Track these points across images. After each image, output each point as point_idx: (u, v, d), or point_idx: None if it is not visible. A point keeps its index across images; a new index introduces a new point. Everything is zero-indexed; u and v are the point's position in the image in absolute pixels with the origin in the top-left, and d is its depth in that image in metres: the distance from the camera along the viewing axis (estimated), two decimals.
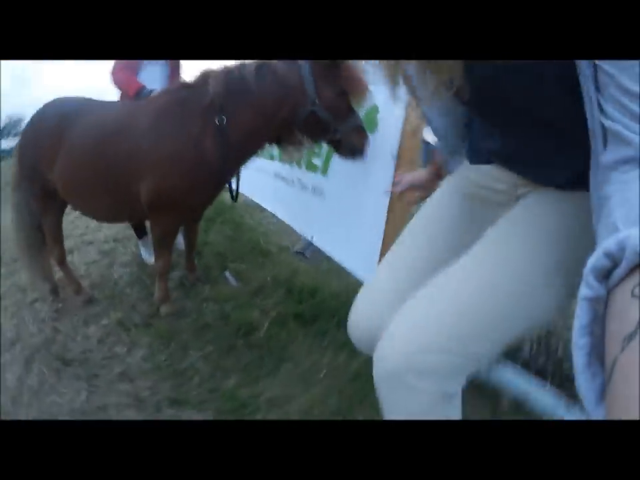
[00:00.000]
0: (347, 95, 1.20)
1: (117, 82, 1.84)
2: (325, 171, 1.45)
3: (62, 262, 1.76)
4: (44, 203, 1.53)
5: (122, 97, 1.90)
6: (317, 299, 1.75)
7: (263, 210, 2.53)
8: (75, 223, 2.88)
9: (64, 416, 1.26)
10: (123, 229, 2.58)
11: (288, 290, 1.86)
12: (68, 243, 2.41)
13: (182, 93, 1.32)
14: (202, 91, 1.25)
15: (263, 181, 2.00)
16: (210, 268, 2.01)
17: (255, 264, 2.15)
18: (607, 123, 0.37)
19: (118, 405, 1.31)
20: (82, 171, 1.34)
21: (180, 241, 1.92)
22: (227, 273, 1.97)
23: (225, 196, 1.70)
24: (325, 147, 1.44)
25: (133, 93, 1.72)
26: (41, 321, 1.74)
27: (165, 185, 1.24)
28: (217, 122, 1.20)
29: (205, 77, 1.28)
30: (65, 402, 1.32)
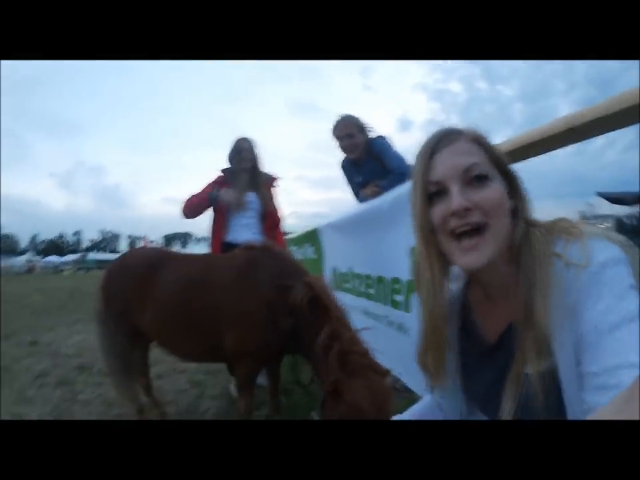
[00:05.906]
0: None
1: (189, 210, 1.99)
2: (407, 308, 1.46)
3: (148, 392, 1.76)
4: (131, 340, 1.63)
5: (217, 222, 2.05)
6: None
7: None
8: None
9: None
10: None
11: None
12: (159, 369, 2.37)
13: (264, 256, 1.45)
14: (283, 269, 1.39)
15: (354, 318, 1.87)
16: (298, 408, 1.84)
17: None
18: None
19: None
20: (171, 318, 1.48)
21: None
22: (313, 413, 1.78)
23: None
24: (405, 282, 1.48)
25: (205, 201, 1.96)
26: None
27: (245, 338, 1.39)
28: (284, 326, 1.32)
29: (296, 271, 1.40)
30: None
